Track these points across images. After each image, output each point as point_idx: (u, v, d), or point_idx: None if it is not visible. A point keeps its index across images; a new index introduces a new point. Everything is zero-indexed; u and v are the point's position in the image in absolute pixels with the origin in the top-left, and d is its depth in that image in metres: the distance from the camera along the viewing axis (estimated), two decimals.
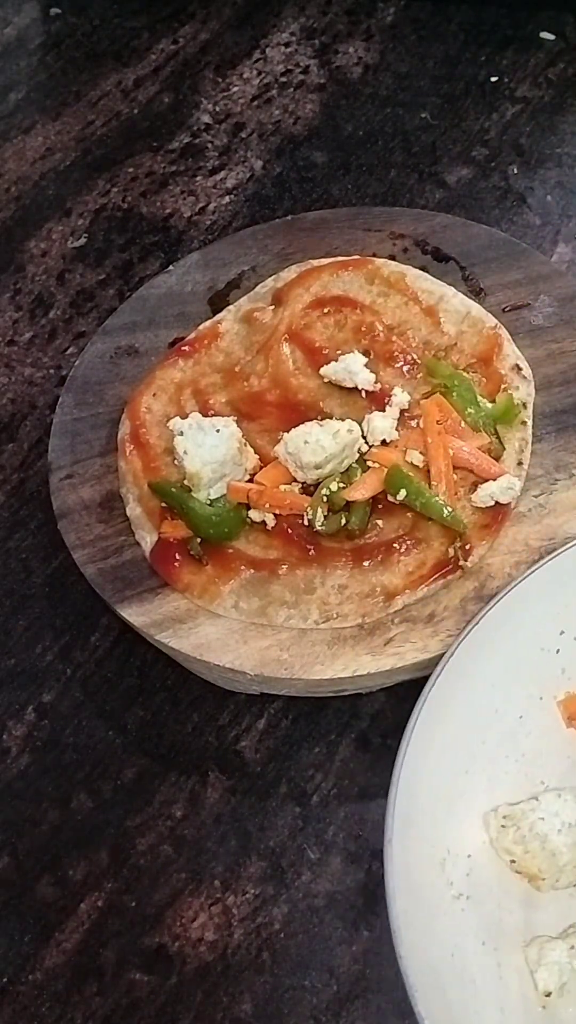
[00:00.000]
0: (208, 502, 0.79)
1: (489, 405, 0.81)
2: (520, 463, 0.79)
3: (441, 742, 0.66)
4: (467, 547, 0.76)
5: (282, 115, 1.09)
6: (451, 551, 0.76)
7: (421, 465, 0.79)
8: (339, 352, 0.85)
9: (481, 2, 1.13)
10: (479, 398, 0.81)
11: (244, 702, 0.78)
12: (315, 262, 0.91)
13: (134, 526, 0.81)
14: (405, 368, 0.84)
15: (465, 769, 0.67)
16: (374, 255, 0.91)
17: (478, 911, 0.65)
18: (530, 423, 0.81)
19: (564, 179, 1.00)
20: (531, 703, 0.70)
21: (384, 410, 0.81)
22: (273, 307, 0.89)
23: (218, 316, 0.90)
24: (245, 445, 0.81)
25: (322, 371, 0.84)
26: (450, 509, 0.76)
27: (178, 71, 1.14)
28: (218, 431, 0.80)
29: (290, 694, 0.76)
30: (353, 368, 0.83)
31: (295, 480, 0.80)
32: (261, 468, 0.81)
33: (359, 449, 0.80)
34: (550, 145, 1.03)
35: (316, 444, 0.78)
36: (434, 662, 0.73)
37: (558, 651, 0.71)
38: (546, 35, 1.10)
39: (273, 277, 0.91)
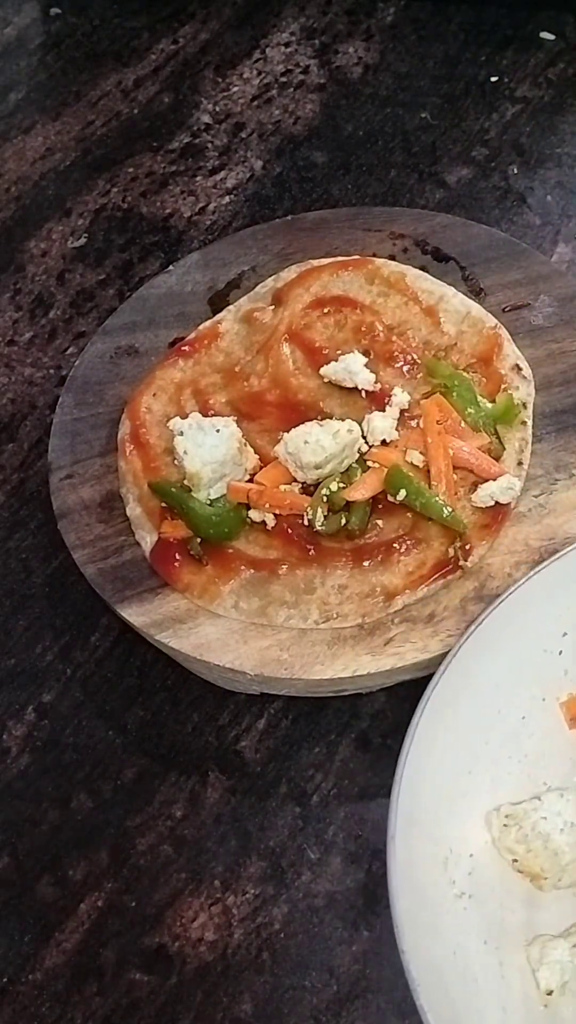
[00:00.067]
0: (208, 502, 0.79)
1: (489, 405, 0.81)
2: (520, 463, 0.79)
3: (444, 742, 0.66)
4: (467, 547, 0.76)
5: (282, 115, 1.09)
6: (451, 551, 0.76)
7: (421, 465, 0.79)
8: (339, 352, 0.85)
9: (481, 2, 1.13)
10: (479, 398, 0.81)
11: (244, 702, 0.78)
12: (315, 262, 0.91)
13: (134, 526, 0.81)
14: (405, 368, 0.84)
15: (468, 769, 0.67)
16: (374, 255, 0.91)
17: (480, 910, 0.65)
18: (530, 423, 0.81)
19: (564, 179, 1.00)
20: (534, 704, 0.70)
21: (384, 410, 0.81)
22: (273, 307, 0.89)
23: (218, 316, 0.90)
24: (245, 445, 0.81)
25: (322, 371, 0.84)
26: (450, 509, 0.76)
27: (178, 71, 1.14)
28: (218, 431, 0.80)
29: (290, 694, 0.76)
30: (353, 368, 0.83)
31: (295, 480, 0.80)
32: (261, 468, 0.81)
33: (359, 449, 0.80)
34: (550, 145, 1.03)
35: (316, 444, 0.78)
36: (434, 662, 0.73)
37: (561, 653, 0.71)
38: (546, 35, 1.10)
39: (273, 277, 0.91)
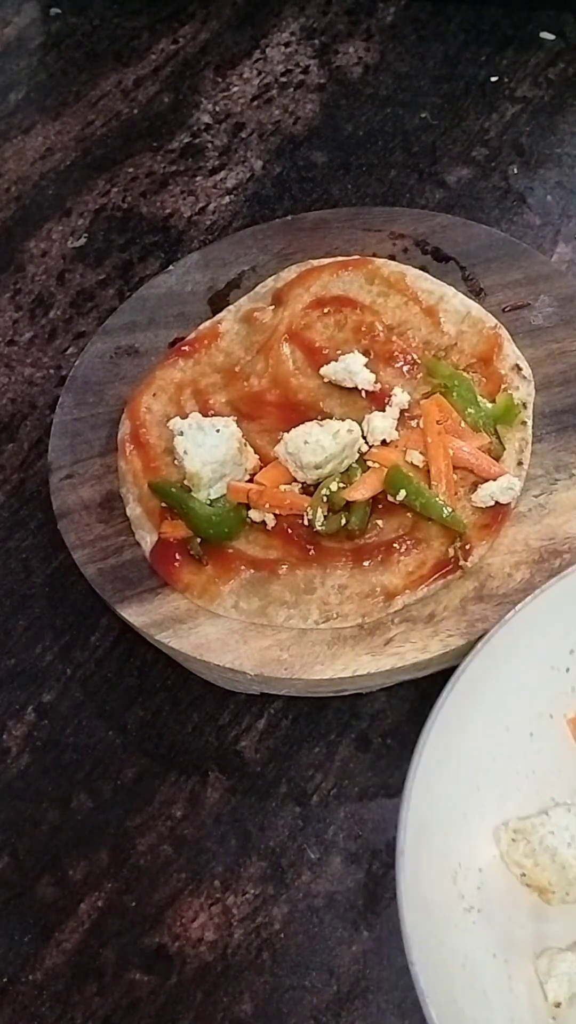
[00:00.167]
0: (208, 502, 0.79)
1: (489, 405, 0.81)
2: (520, 463, 0.79)
3: (452, 758, 0.66)
4: (467, 547, 0.76)
5: (282, 115, 1.09)
6: (451, 551, 0.76)
7: (421, 465, 0.79)
8: (339, 352, 0.85)
9: (481, 2, 1.13)
10: (479, 398, 0.81)
11: (244, 702, 0.78)
12: (315, 262, 0.91)
13: (134, 526, 0.81)
14: (405, 368, 0.84)
15: (476, 785, 0.67)
16: (374, 255, 0.91)
17: (489, 924, 0.65)
18: (530, 423, 0.81)
19: (564, 179, 1.00)
20: (541, 721, 0.71)
21: (384, 410, 0.81)
22: (273, 307, 0.89)
23: (218, 316, 0.90)
24: (245, 445, 0.81)
25: (322, 371, 0.84)
26: (450, 509, 0.76)
27: (178, 71, 1.14)
28: (218, 431, 0.80)
29: (290, 694, 0.76)
30: (353, 368, 0.83)
31: (295, 480, 0.80)
32: (261, 468, 0.81)
33: (359, 449, 0.80)
34: (550, 145, 1.03)
35: (316, 444, 0.78)
36: (434, 662, 0.73)
37: (568, 670, 0.71)
38: (546, 35, 1.10)
39: (273, 277, 0.91)
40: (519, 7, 1.11)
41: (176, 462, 0.81)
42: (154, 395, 0.86)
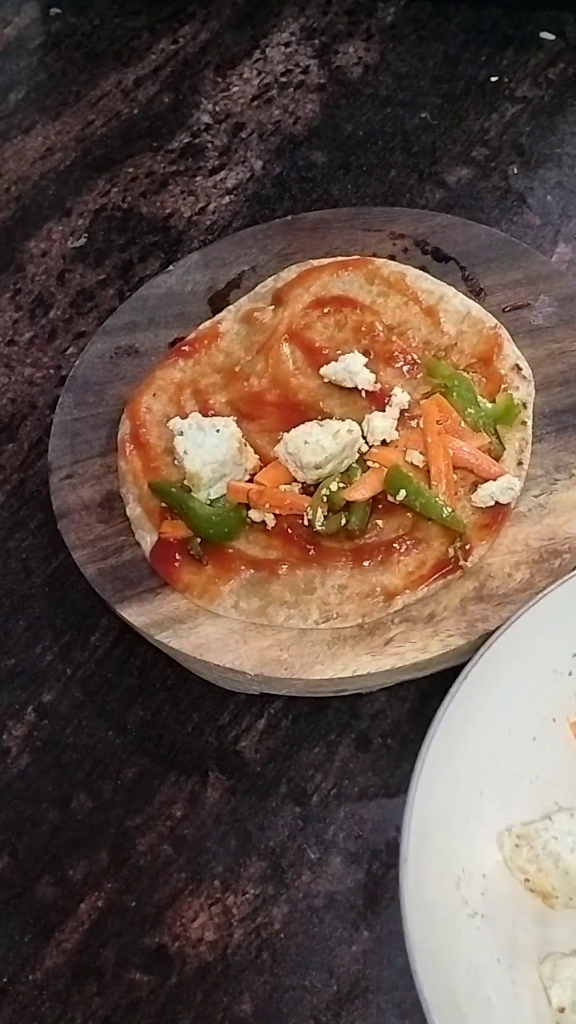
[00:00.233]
0: (208, 502, 0.79)
1: (489, 405, 0.81)
2: (520, 463, 0.79)
3: (455, 764, 0.66)
4: (467, 547, 0.76)
5: (282, 115, 1.09)
6: (451, 551, 0.76)
7: (421, 465, 0.79)
8: (339, 352, 0.85)
9: (481, 2, 1.13)
10: (479, 398, 0.81)
11: (244, 702, 0.78)
12: (315, 262, 0.91)
13: (134, 526, 0.81)
14: (405, 368, 0.84)
15: (479, 790, 0.67)
16: (374, 255, 0.91)
17: (493, 929, 0.65)
18: (530, 423, 0.81)
19: (564, 179, 1.00)
20: (544, 725, 0.70)
21: (384, 410, 0.81)
22: (273, 307, 0.89)
23: (218, 316, 0.90)
24: (245, 445, 0.81)
25: (322, 371, 0.84)
26: (450, 509, 0.76)
27: (178, 71, 1.14)
28: (218, 431, 0.80)
29: (290, 694, 0.76)
30: (353, 368, 0.83)
31: (295, 480, 0.80)
32: (261, 468, 0.81)
33: (359, 449, 0.80)
34: (550, 145, 1.03)
35: (316, 444, 0.78)
36: (434, 662, 0.73)
37: (570, 673, 0.71)
38: (546, 35, 1.10)
39: (273, 277, 0.91)
40: (519, 7, 1.11)
41: (176, 462, 0.81)
42: (154, 395, 0.86)
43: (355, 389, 0.83)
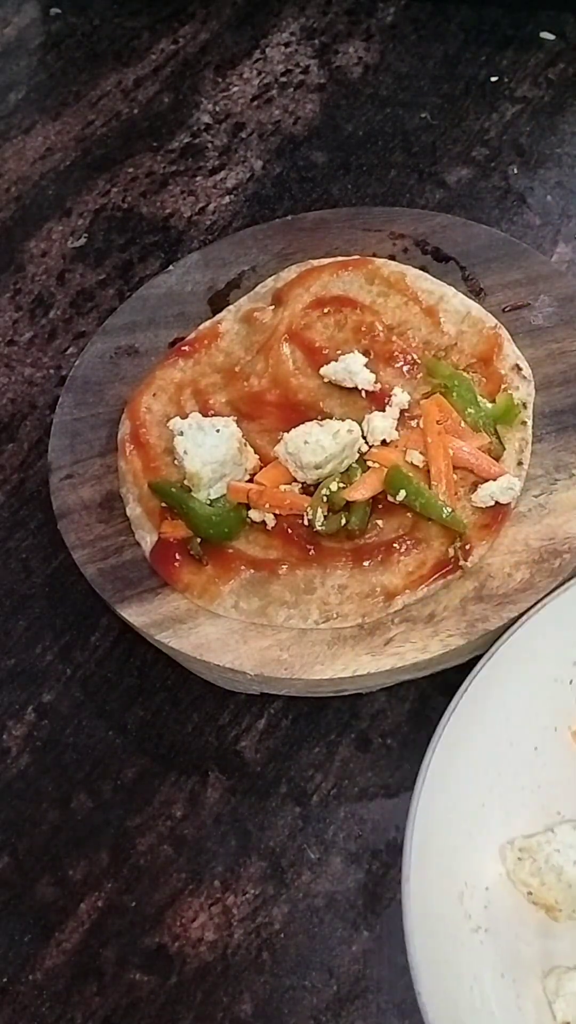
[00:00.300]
0: (208, 502, 0.79)
1: (489, 405, 0.81)
2: (520, 463, 0.79)
3: (457, 776, 0.66)
4: (467, 547, 0.76)
5: (282, 115, 1.09)
6: (451, 551, 0.76)
7: (421, 465, 0.79)
8: (339, 352, 0.85)
9: (481, 2, 1.12)
10: (479, 398, 0.81)
11: (244, 702, 0.78)
12: (315, 262, 0.91)
13: (134, 526, 0.81)
14: (405, 368, 0.84)
15: (481, 802, 0.67)
16: (374, 255, 0.91)
17: (496, 943, 0.65)
18: (530, 423, 0.81)
19: (564, 179, 1.00)
20: (546, 734, 0.70)
21: (384, 410, 0.81)
22: (273, 307, 0.89)
23: (218, 316, 0.90)
24: (245, 445, 0.81)
25: (322, 371, 0.84)
26: (450, 509, 0.76)
27: (178, 71, 1.14)
28: (218, 431, 0.80)
29: (290, 694, 0.76)
30: (353, 368, 0.83)
31: (295, 480, 0.80)
32: (261, 468, 0.81)
33: (359, 449, 0.80)
34: (550, 145, 1.03)
35: (316, 444, 0.78)
36: (434, 662, 0.73)
37: (571, 682, 0.71)
38: (546, 35, 1.10)
39: (273, 277, 0.91)
40: (519, 7, 1.11)
41: (176, 462, 0.81)
42: (154, 395, 0.86)
43: (355, 389, 0.83)
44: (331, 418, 0.81)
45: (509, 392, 0.82)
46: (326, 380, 0.84)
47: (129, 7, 1.20)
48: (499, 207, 1.00)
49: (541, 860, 0.66)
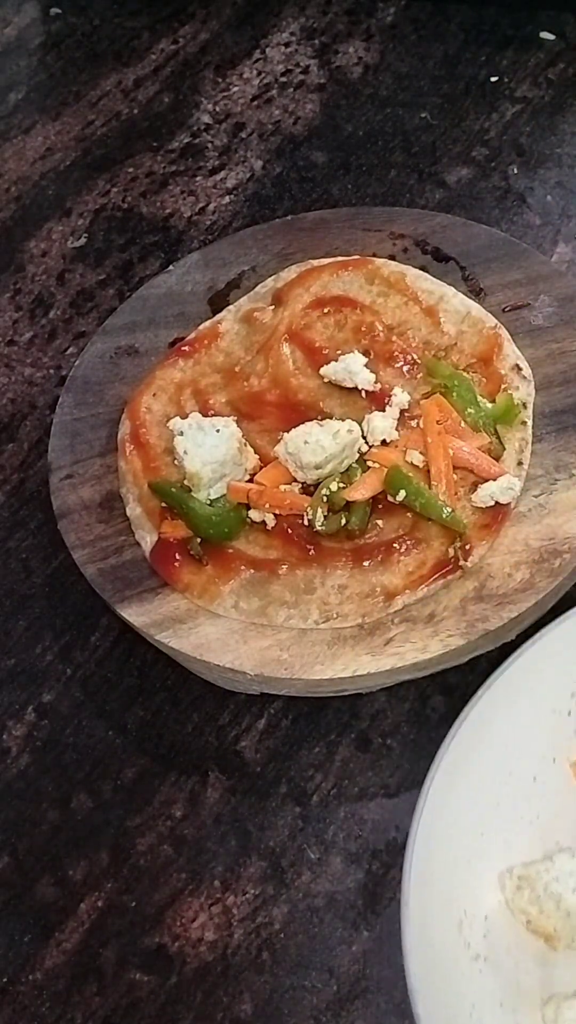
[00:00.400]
0: (208, 502, 0.79)
1: (489, 405, 0.81)
2: (520, 463, 0.79)
3: (456, 805, 0.66)
4: (467, 547, 0.76)
5: (282, 115, 1.09)
6: (451, 551, 0.76)
7: (421, 465, 0.79)
8: (339, 352, 0.85)
9: (481, 2, 1.12)
10: (479, 398, 0.81)
11: (244, 702, 0.78)
12: (315, 262, 0.91)
13: (134, 526, 0.81)
14: (405, 368, 0.84)
15: (480, 831, 0.67)
16: (374, 255, 0.91)
17: (496, 972, 0.64)
18: (530, 423, 0.81)
19: (564, 179, 1.00)
20: (544, 765, 0.70)
21: (384, 410, 0.81)
22: (273, 307, 0.89)
23: (218, 316, 0.90)
24: (245, 445, 0.81)
25: (322, 371, 0.84)
26: (450, 509, 0.76)
27: (178, 71, 1.14)
28: (218, 431, 0.80)
29: (290, 694, 0.76)
30: (353, 368, 0.83)
31: (295, 480, 0.80)
32: (261, 468, 0.81)
33: (359, 449, 0.80)
34: (550, 145, 1.03)
35: (316, 444, 0.78)
36: (434, 662, 0.73)
37: (570, 713, 0.71)
38: (546, 35, 1.10)
39: (273, 277, 0.91)
40: (519, 7, 1.11)
41: (176, 462, 0.81)
42: (154, 395, 0.86)
43: (355, 389, 0.83)
44: (331, 418, 0.81)
45: (509, 392, 0.82)
46: (326, 380, 0.84)
47: (129, 7, 1.20)
48: (499, 207, 1.00)
49: (540, 889, 0.65)
